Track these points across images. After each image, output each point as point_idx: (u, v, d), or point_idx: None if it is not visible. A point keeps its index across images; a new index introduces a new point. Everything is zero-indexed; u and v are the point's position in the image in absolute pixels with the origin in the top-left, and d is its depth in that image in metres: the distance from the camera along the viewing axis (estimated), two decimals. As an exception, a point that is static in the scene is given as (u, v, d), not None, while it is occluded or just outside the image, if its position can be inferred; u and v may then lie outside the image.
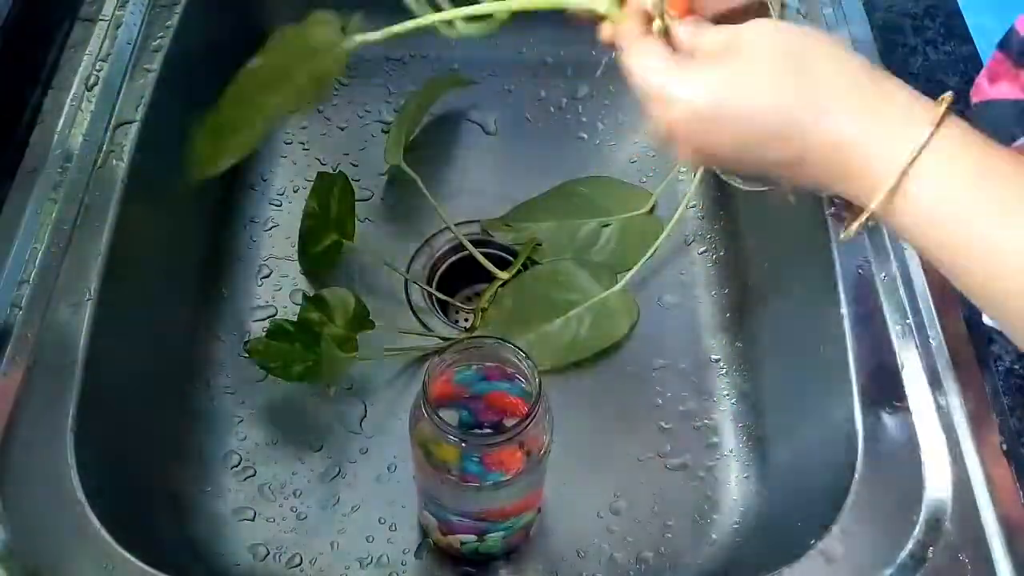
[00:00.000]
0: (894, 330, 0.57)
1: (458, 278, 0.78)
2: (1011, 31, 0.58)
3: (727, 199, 0.78)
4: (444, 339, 0.71)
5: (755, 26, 0.41)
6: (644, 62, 0.43)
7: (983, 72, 0.59)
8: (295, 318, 0.66)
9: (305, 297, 0.66)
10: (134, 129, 0.64)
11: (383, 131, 0.84)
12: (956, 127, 0.38)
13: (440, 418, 0.49)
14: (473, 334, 0.72)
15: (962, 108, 0.64)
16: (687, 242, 0.78)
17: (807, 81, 0.39)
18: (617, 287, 0.73)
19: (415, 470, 0.56)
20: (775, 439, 0.65)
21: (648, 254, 0.73)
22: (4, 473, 0.50)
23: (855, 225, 0.40)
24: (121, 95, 0.66)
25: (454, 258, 0.78)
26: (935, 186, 0.37)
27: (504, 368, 0.53)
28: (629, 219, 0.78)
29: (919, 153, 0.37)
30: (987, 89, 0.58)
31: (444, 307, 0.76)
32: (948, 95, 0.38)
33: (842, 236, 0.42)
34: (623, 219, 0.78)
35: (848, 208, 0.42)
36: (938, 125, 0.37)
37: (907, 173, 0.37)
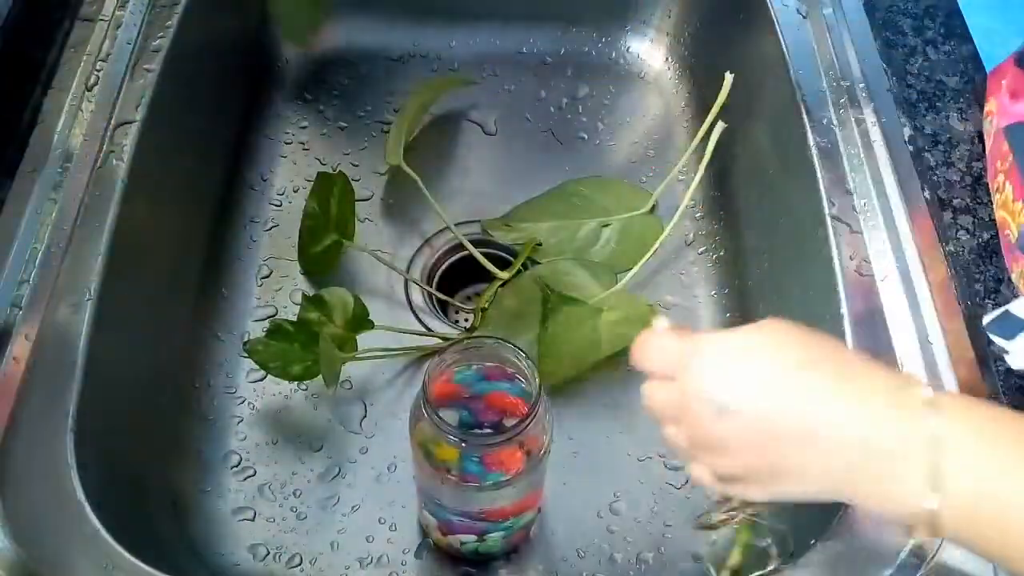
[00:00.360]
0: (894, 330, 0.57)
1: (458, 278, 0.78)
2: None
3: (727, 199, 0.78)
4: (444, 339, 0.71)
5: (713, 339, 0.41)
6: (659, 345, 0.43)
7: (1005, 90, 0.59)
8: (295, 318, 0.66)
9: (304, 297, 0.66)
10: (134, 129, 0.64)
11: (383, 131, 0.84)
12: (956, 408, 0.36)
13: (440, 418, 0.49)
14: (473, 334, 0.72)
15: (975, 129, 0.64)
16: (687, 242, 0.78)
17: (819, 385, 0.38)
18: (617, 287, 0.73)
19: (415, 470, 0.56)
20: (775, 439, 0.65)
21: (648, 254, 0.73)
22: (4, 473, 0.50)
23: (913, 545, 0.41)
24: (121, 95, 0.66)
25: (454, 258, 0.78)
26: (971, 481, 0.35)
27: (504, 368, 0.53)
28: (629, 219, 0.78)
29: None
30: (1012, 108, 0.58)
31: (444, 307, 0.76)
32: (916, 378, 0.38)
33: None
34: (623, 219, 0.77)
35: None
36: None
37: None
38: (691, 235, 0.78)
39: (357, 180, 0.75)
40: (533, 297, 0.73)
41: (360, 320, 0.67)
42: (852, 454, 0.37)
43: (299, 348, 0.64)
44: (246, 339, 0.70)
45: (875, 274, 0.59)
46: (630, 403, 0.69)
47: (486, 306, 0.73)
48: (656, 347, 0.43)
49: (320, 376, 0.64)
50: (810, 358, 0.38)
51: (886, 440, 0.36)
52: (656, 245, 0.74)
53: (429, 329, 0.73)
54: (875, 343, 0.57)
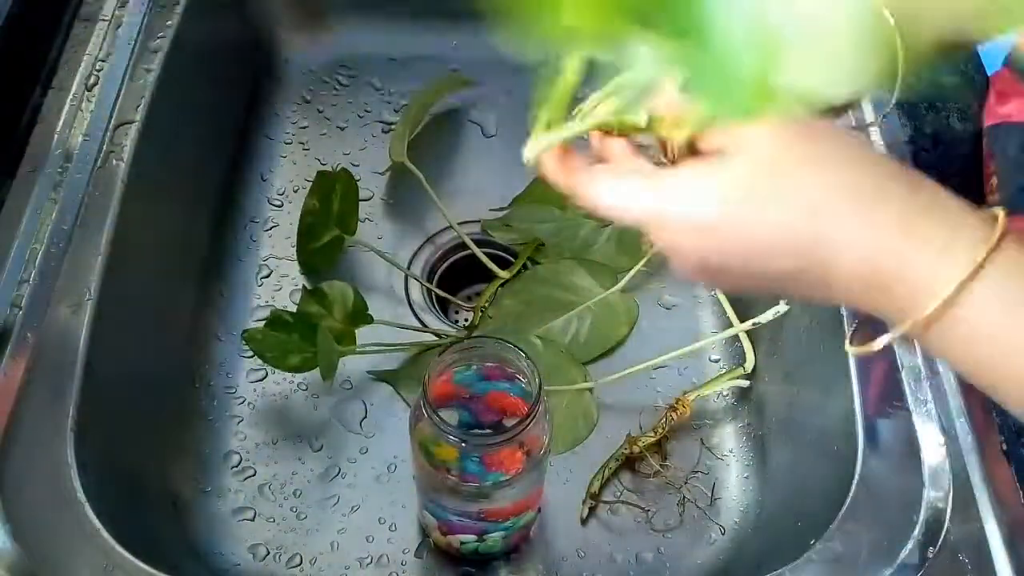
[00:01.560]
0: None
1: (458, 277, 0.78)
2: (1014, 48, 0.58)
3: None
4: (443, 337, 0.71)
5: (759, 126, 0.35)
6: (625, 186, 0.38)
7: (992, 90, 0.59)
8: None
9: (305, 289, 0.66)
10: (134, 129, 0.64)
11: (383, 131, 0.84)
12: (1010, 247, 0.33)
13: (440, 418, 0.49)
14: (473, 334, 0.72)
15: (974, 129, 0.64)
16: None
17: (823, 189, 0.34)
18: (617, 287, 0.73)
19: (415, 470, 0.56)
20: (775, 439, 0.65)
21: (649, 255, 0.73)
22: (4, 473, 0.50)
23: (880, 342, 0.36)
24: (121, 95, 0.66)
25: (454, 257, 0.78)
26: (982, 310, 0.32)
27: (504, 368, 0.53)
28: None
29: (970, 278, 0.32)
30: (998, 109, 0.59)
31: (444, 306, 0.76)
32: (1000, 212, 0.33)
33: (854, 350, 0.38)
34: (623, 219, 0.77)
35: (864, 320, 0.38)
36: (992, 250, 0.32)
37: (953, 301, 0.32)
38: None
39: (357, 180, 0.75)
40: (533, 298, 0.73)
41: (359, 314, 0.67)
42: (859, 268, 0.34)
43: (298, 339, 0.64)
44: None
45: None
46: (631, 403, 0.69)
47: (486, 305, 0.73)
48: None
49: (318, 370, 0.64)
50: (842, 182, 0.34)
51: (908, 265, 0.33)
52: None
53: (428, 327, 0.72)
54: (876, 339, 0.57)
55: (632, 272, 0.73)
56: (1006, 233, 0.33)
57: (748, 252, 0.35)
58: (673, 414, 0.66)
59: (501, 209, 0.79)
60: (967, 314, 0.33)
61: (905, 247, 0.33)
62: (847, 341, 0.40)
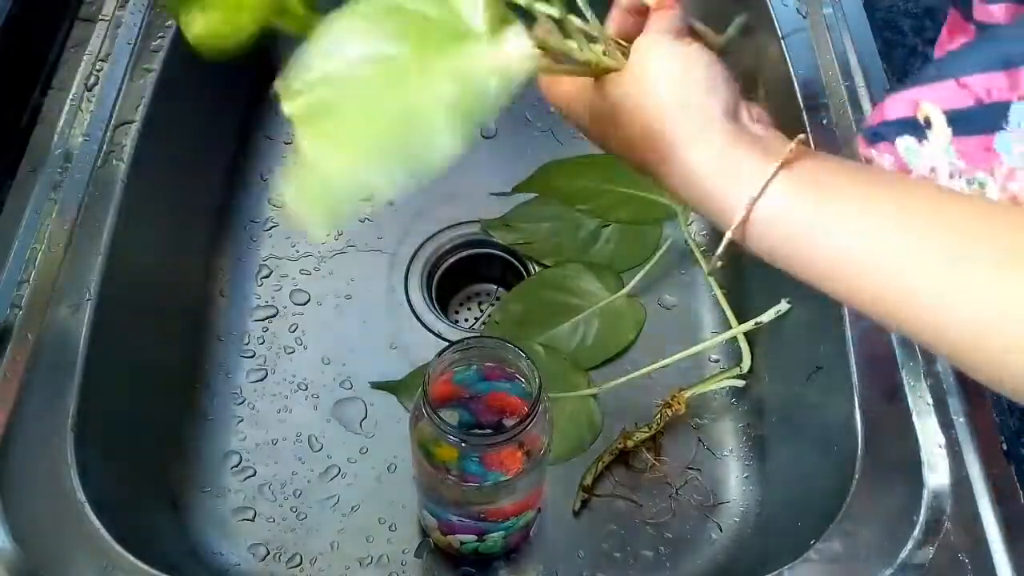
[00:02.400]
0: (894, 329, 0.57)
1: (458, 277, 0.78)
2: None
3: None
4: (444, 339, 0.71)
5: (645, 42, 0.43)
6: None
7: (944, 29, 0.59)
8: (295, 318, 0.65)
9: None
10: (134, 129, 0.64)
11: (383, 131, 0.84)
12: (807, 158, 0.39)
13: (440, 418, 0.49)
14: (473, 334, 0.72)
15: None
16: (687, 241, 0.78)
17: (676, 104, 0.41)
18: (624, 291, 0.73)
19: (415, 470, 0.56)
20: (775, 439, 0.65)
21: (654, 259, 0.74)
22: (4, 473, 0.50)
23: (717, 253, 0.42)
24: (121, 95, 0.66)
25: (454, 257, 0.78)
26: (783, 210, 0.38)
27: (504, 368, 0.53)
28: (629, 218, 0.78)
29: (767, 184, 0.38)
30: (946, 44, 0.59)
31: (444, 306, 0.76)
32: (801, 136, 0.40)
33: (707, 269, 0.43)
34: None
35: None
36: (783, 163, 0.38)
37: (756, 203, 0.38)
38: (692, 235, 0.78)
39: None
40: (540, 303, 0.73)
41: None
42: (690, 177, 0.41)
43: None
44: (246, 340, 0.71)
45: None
46: (631, 403, 0.69)
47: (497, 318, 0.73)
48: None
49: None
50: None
51: (724, 177, 0.40)
52: (661, 250, 0.74)
53: (428, 328, 0.72)
54: (875, 343, 0.57)
55: (639, 276, 0.73)
56: (800, 152, 0.39)
57: (619, 127, 0.44)
58: (668, 410, 0.66)
59: (503, 194, 0.79)
60: (773, 214, 0.38)
61: (721, 163, 0.40)
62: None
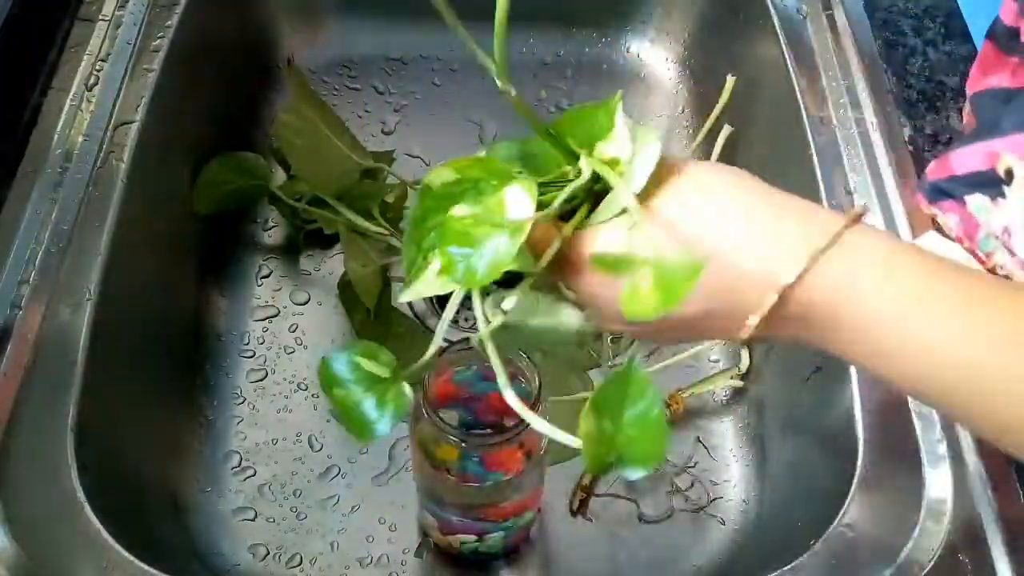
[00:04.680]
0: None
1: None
2: (996, 20, 0.57)
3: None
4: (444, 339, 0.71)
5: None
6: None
7: (976, 63, 0.59)
8: (295, 318, 0.65)
9: None
10: (134, 129, 0.64)
11: (383, 131, 0.84)
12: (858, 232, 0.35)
13: (440, 418, 0.49)
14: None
15: (963, 108, 0.64)
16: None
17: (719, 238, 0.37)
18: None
19: (415, 470, 0.56)
20: (775, 439, 0.65)
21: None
22: (4, 473, 0.50)
23: (745, 330, 0.37)
24: (121, 95, 0.66)
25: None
26: (835, 290, 0.35)
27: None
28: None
29: (811, 264, 0.34)
30: (981, 79, 0.58)
31: (444, 307, 0.75)
32: (860, 207, 0.36)
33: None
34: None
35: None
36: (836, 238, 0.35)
37: (793, 286, 0.35)
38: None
39: (357, 180, 0.75)
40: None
41: None
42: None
43: None
44: (246, 339, 0.71)
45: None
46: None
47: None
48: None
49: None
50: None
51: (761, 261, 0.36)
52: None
53: (429, 329, 0.72)
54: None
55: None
56: (855, 221, 0.35)
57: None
58: (667, 410, 0.66)
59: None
60: (821, 295, 0.35)
61: (760, 250, 0.36)
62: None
